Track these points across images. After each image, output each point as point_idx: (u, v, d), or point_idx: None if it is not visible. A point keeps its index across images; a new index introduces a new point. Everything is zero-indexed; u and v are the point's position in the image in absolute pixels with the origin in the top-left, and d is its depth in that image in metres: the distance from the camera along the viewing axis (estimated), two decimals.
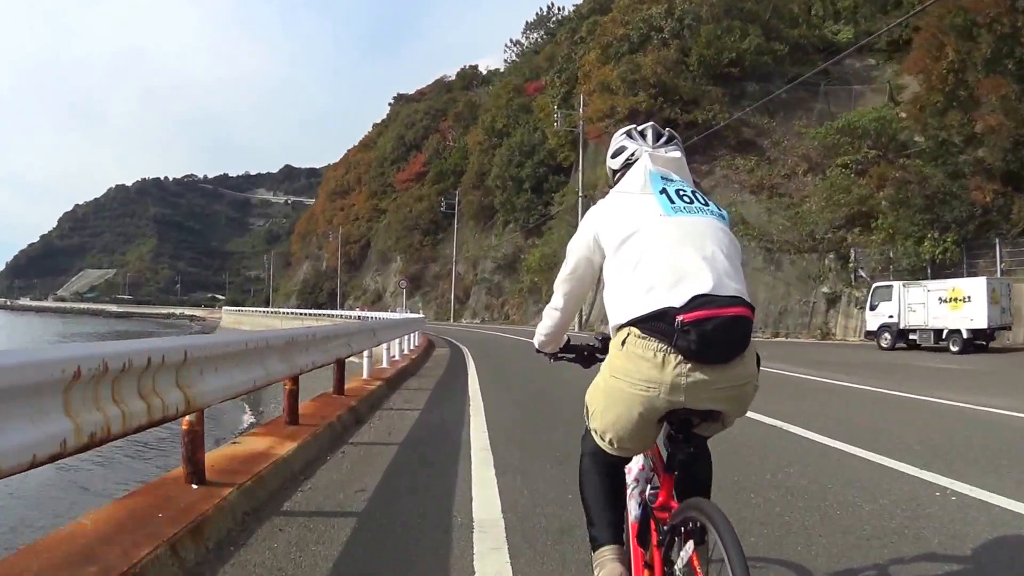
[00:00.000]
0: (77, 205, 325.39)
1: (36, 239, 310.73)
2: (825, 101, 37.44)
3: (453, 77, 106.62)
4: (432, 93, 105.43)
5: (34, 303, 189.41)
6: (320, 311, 56.31)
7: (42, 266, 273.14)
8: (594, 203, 2.58)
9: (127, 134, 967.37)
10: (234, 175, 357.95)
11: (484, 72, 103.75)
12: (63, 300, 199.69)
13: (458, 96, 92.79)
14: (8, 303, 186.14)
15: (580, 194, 37.60)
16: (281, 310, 65.56)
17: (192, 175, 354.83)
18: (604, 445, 2.23)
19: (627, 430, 2.13)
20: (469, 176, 69.41)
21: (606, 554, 2.23)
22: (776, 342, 27.23)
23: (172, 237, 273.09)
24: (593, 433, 2.27)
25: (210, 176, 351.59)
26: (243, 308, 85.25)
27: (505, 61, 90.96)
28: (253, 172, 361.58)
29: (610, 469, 2.34)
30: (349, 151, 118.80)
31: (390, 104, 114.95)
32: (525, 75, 72.92)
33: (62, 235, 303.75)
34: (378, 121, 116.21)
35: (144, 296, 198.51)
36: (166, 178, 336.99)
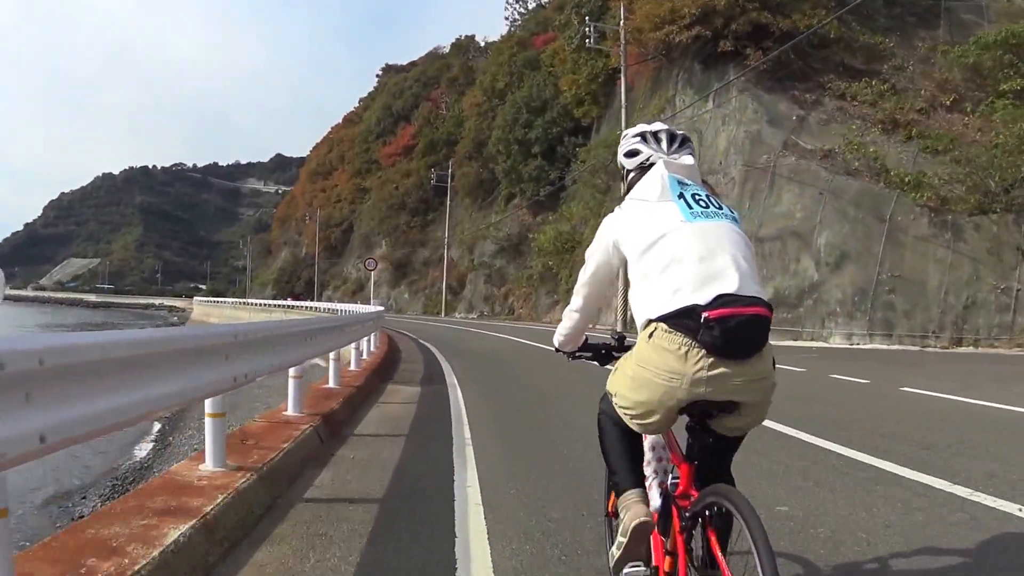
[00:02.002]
0: (63, 193, 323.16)
1: (20, 227, 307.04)
2: (947, 20, 27.14)
3: (447, 48, 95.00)
4: (424, 63, 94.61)
5: (13, 292, 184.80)
6: (292, 303, 49.15)
7: (25, 255, 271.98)
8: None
9: (116, 122, 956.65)
10: (224, 164, 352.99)
11: (482, 44, 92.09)
12: (43, 289, 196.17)
13: (452, 62, 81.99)
14: None
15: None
16: (251, 301, 60.43)
17: (181, 164, 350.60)
18: (625, 416, 2.31)
19: (649, 415, 2.23)
20: (464, 145, 59.00)
21: (631, 497, 2.33)
22: (960, 355, 16.97)
23: (159, 226, 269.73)
24: (615, 400, 2.35)
25: (199, 165, 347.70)
26: (216, 299, 76.57)
27: (506, 19, 79.73)
28: (244, 161, 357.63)
29: (627, 425, 2.37)
30: (333, 128, 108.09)
31: (377, 76, 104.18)
32: (531, 30, 62.55)
33: (46, 223, 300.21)
34: (364, 95, 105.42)
35: (127, 286, 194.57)
36: (154, 166, 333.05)
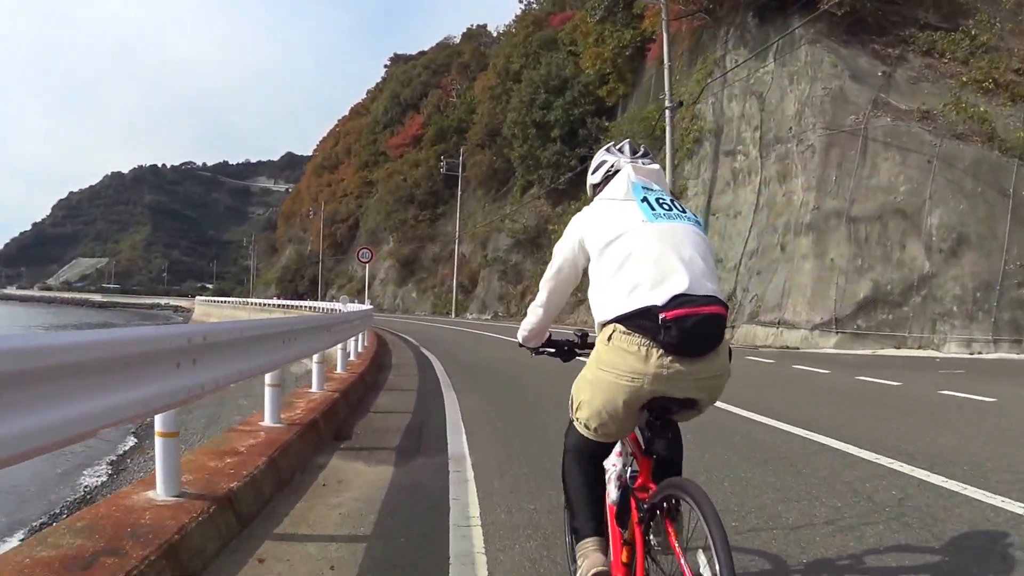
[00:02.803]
0: (71, 192, 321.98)
1: (28, 227, 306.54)
2: None
3: (458, 39, 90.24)
4: (433, 52, 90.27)
5: (19, 292, 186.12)
6: (293, 302, 47.82)
7: (33, 254, 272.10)
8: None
9: (125, 122, 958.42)
10: (234, 163, 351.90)
11: (494, 34, 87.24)
12: (49, 289, 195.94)
13: (464, 48, 77.60)
14: None
15: (669, 103, 22.83)
16: (251, 301, 58.30)
17: (191, 162, 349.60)
18: (588, 433, 2.34)
19: (612, 417, 2.24)
20: (477, 132, 54.74)
21: (588, 545, 2.33)
22: None
23: (167, 225, 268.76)
24: (577, 423, 2.38)
25: (209, 164, 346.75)
26: (217, 299, 73.30)
27: (520, 2, 75.02)
28: (254, 160, 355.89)
29: (592, 461, 2.45)
30: (340, 120, 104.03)
31: (386, 66, 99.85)
32: (547, 10, 58.23)
33: (55, 223, 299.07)
34: (372, 87, 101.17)
35: (134, 285, 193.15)
36: (163, 165, 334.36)
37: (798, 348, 16.72)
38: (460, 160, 54.50)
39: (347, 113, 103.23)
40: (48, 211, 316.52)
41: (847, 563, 3.26)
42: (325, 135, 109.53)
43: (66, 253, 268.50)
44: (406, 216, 62.46)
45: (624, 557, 2.28)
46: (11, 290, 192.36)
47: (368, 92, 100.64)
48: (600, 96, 39.98)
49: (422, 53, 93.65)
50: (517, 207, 46.53)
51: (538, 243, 42.41)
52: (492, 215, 51.34)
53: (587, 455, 2.41)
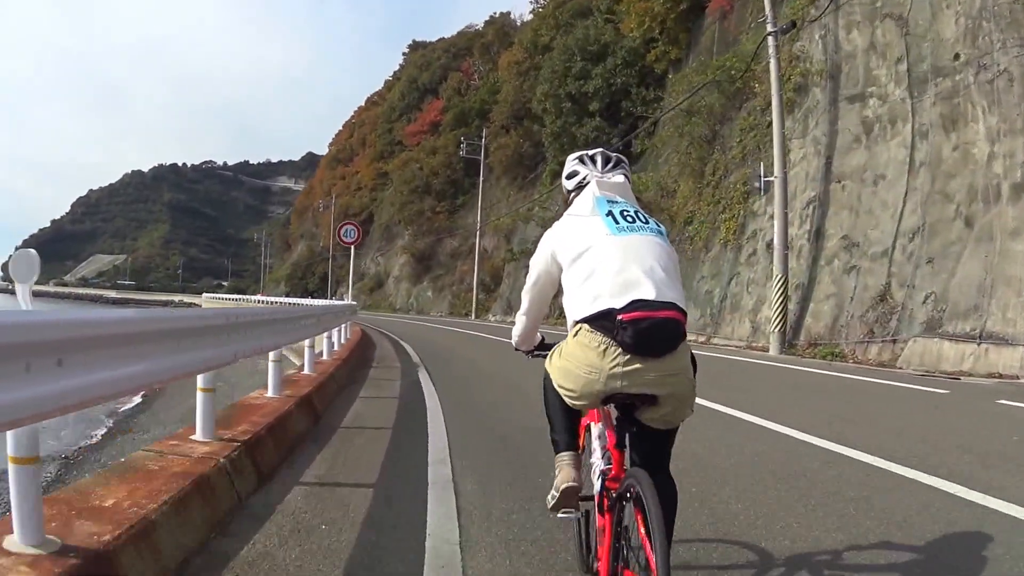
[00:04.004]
0: (91, 190, 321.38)
1: (47, 224, 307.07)
2: None
3: (480, 25, 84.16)
4: (454, 37, 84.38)
5: (34, 288, 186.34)
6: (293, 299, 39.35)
7: (51, 250, 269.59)
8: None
9: (147, 121, 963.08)
10: (255, 162, 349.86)
11: (519, 22, 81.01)
12: (65, 285, 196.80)
13: (487, 31, 71.57)
14: (9, 287, 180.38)
15: (772, 25, 16.74)
16: (255, 298, 52.77)
17: (211, 161, 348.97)
18: (562, 394, 2.55)
19: (575, 399, 2.48)
20: (501, 112, 49.06)
21: (564, 459, 2.62)
22: None
23: (186, 223, 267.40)
24: (553, 382, 2.60)
25: (230, 163, 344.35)
26: (222, 296, 67.82)
27: None
28: (274, 159, 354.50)
29: None
30: (355, 111, 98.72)
31: (404, 54, 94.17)
32: None
33: (74, 220, 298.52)
34: (390, 76, 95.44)
35: (150, 282, 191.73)
36: (184, 164, 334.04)
37: (1018, 378, 10.77)
38: (482, 143, 48.67)
39: (363, 104, 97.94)
40: (67, 208, 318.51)
41: None
42: (341, 127, 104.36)
43: (84, 250, 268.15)
44: (422, 207, 56.82)
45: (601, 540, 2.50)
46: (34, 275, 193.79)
47: (385, 82, 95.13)
48: (648, 63, 34.15)
49: (442, 39, 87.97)
50: (548, 193, 40.64)
51: None
52: (518, 204, 45.51)
53: None
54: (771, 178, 17.10)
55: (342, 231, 21.07)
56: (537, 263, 2.70)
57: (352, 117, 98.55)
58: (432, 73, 71.82)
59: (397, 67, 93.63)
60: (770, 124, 19.25)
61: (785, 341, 16.33)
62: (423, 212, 56.64)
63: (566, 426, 2.63)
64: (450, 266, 53.87)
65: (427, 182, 57.09)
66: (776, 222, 16.75)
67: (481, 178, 48.84)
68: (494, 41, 63.80)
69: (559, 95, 37.03)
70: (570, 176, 2.79)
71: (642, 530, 2.07)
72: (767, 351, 16.78)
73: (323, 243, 78.29)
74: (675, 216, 24.57)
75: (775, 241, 16.72)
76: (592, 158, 2.75)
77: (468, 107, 56.81)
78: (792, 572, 3.15)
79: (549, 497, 2.63)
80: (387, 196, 66.72)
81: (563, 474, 2.57)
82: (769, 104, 19.57)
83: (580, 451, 2.69)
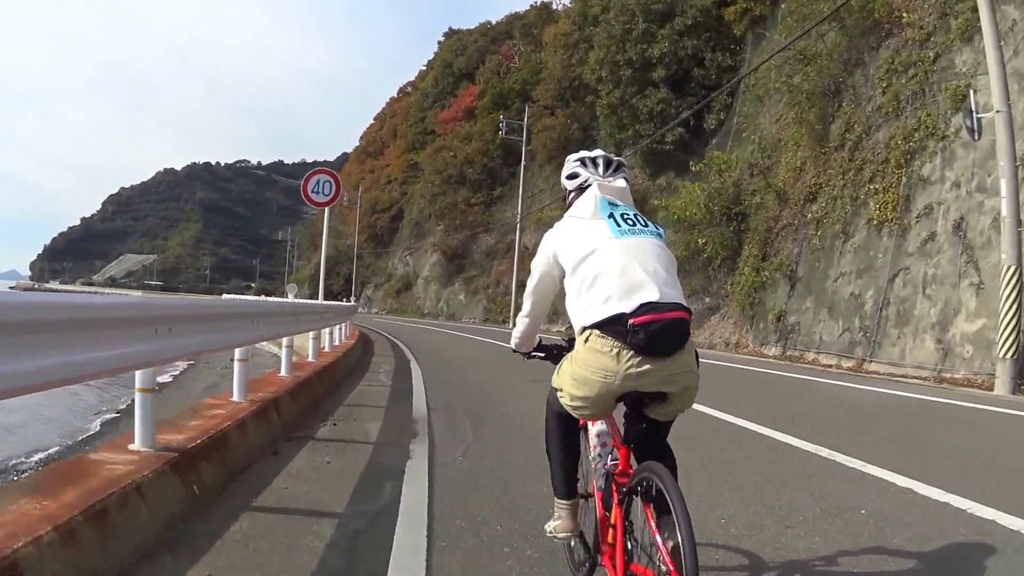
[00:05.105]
0: (123, 188, 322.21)
1: (77, 222, 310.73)
2: None
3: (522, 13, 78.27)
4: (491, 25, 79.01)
5: (61, 287, 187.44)
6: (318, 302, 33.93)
7: (80, 249, 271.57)
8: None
9: (181, 119, 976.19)
10: (289, 162, 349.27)
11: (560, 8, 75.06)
12: (91, 284, 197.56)
13: (527, 14, 65.93)
14: (36, 286, 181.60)
15: None
16: (267, 299, 45.59)
17: (245, 161, 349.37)
18: (570, 410, 2.55)
19: (589, 405, 2.47)
20: (545, 91, 43.56)
21: (563, 506, 2.72)
22: None
23: (218, 223, 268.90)
24: (561, 397, 2.56)
25: (264, 163, 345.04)
26: (236, 296, 62.92)
27: None
28: (310, 159, 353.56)
29: (571, 428, 2.69)
30: (387, 102, 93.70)
31: (439, 42, 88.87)
32: None
33: (104, 218, 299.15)
34: (423, 66, 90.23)
35: (179, 283, 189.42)
36: (217, 163, 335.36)
37: None
38: (524, 124, 43.05)
39: (396, 95, 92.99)
40: (98, 206, 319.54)
41: None
42: (372, 120, 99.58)
43: (113, 248, 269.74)
44: (455, 199, 51.32)
45: (611, 538, 2.50)
46: (54, 284, 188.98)
47: (419, 72, 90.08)
48: (727, 22, 28.44)
49: (479, 24, 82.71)
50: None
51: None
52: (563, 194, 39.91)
53: (566, 420, 2.64)
54: (987, 114, 11.21)
55: (309, 184, 14.40)
56: (538, 265, 2.71)
57: (384, 108, 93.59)
58: (468, 58, 66.44)
59: (432, 55, 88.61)
60: (936, 58, 13.92)
61: (1020, 373, 10.45)
62: (456, 205, 51.17)
63: (564, 476, 2.71)
64: (485, 266, 48.34)
65: (461, 171, 51.60)
66: (1004, 182, 10.80)
67: (522, 165, 43.22)
68: (535, 23, 58.25)
69: (617, 61, 31.30)
70: (571, 177, 2.79)
71: (652, 523, 2.14)
72: (979, 385, 10.98)
73: (348, 241, 73.44)
74: (786, 195, 18.82)
75: (1004, 211, 10.78)
76: (594, 161, 2.75)
77: (508, 88, 51.34)
78: None
79: (548, 529, 2.82)
80: (417, 189, 61.56)
81: (563, 523, 2.73)
82: (929, 36, 14.38)
83: (576, 500, 2.76)
